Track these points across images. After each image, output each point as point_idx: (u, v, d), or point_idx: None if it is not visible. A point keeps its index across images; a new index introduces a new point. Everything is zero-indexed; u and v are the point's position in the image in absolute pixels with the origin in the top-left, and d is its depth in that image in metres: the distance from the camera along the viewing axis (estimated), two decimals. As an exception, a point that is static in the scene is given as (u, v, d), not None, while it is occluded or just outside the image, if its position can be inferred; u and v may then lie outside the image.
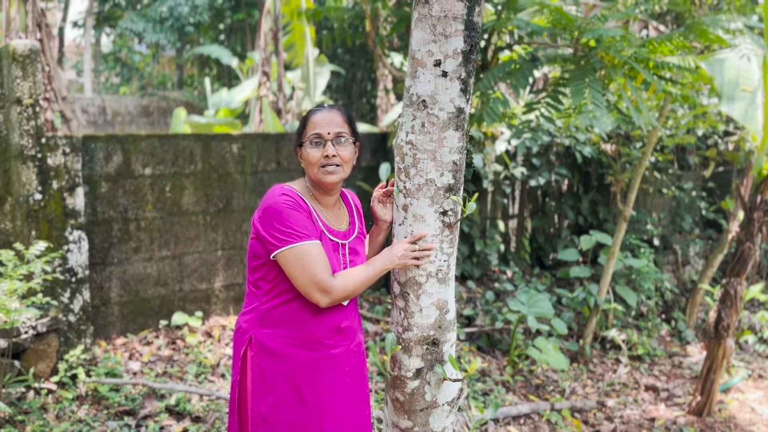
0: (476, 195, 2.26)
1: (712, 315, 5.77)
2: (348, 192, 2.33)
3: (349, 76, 14.78)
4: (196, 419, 3.55)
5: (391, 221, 2.28)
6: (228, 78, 17.02)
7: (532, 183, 6.08)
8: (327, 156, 2.04)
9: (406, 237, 2.18)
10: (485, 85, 3.84)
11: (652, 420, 4.43)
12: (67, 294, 3.78)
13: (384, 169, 2.76)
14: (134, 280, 4.31)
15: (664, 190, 6.52)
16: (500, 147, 5.83)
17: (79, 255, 3.78)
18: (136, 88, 19.20)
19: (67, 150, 3.72)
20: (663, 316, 6.35)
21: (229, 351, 4.29)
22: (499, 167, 5.82)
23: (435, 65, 2.11)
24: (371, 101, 16.64)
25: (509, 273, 6.24)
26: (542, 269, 6.54)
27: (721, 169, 6.79)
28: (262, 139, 4.74)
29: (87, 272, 3.79)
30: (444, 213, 2.20)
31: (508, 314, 4.86)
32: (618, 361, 5.37)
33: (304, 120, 2.11)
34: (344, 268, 2.10)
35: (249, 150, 4.69)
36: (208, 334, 4.48)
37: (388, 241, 2.39)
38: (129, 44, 19.14)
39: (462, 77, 2.13)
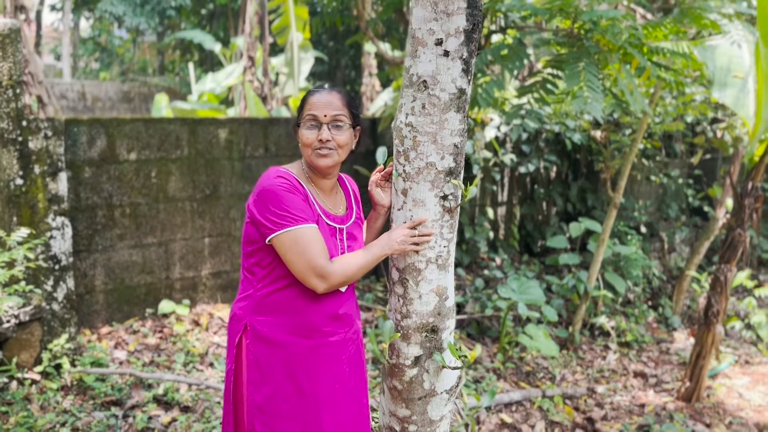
0: (477, 179, 2.21)
1: (702, 301, 5.80)
2: (345, 177, 2.27)
3: (333, 62, 14.65)
4: (185, 409, 3.48)
5: (390, 206, 2.22)
6: (211, 64, 16.78)
7: (522, 170, 6.04)
8: (321, 140, 1.98)
9: (405, 222, 2.13)
10: (477, 68, 3.78)
11: (642, 406, 4.44)
12: (51, 282, 3.67)
13: (380, 152, 2.68)
14: (119, 267, 4.21)
15: (652, 178, 6.52)
16: (490, 133, 5.78)
17: (62, 242, 3.68)
18: (116, 74, 18.87)
19: (49, 133, 3.61)
20: (649, 302, 6.38)
21: (218, 339, 4.22)
22: (488, 154, 5.77)
23: (436, 44, 2.04)
24: (356, 88, 16.51)
25: (498, 260, 6.21)
26: (531, 256, 6.53)
27: (708, 156, 6.81)
28: (249, 124, 4.65)
29: (71, 259, 3.69)
30: (444, 197, 2.14)
31: (498, 301, 4.83)
32: (606, 347, 5.37)
33: (303, 101, 2.04)
34: (342, 253, 2.04)
35: (236, 135, 4.59)
36: (196, 323, 4.40)
37: (386, 227, 2.33)
38: (108, 29, 18.79)
39: (464, 57, 2.07)
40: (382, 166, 2.25)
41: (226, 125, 4.53)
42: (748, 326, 5.61)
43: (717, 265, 4.37)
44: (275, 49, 12.82)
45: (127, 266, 4.24)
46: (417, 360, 2.27)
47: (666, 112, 5.00)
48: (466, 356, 2.25)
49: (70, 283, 3.72)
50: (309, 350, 2.00)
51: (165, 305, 4.31)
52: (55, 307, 3.70)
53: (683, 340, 5.77)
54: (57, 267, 3.70)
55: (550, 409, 4.08)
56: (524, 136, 5.87)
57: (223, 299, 4.67)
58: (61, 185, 3.67)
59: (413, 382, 2.29)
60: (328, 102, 2.00)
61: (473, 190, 2.15)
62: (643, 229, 6.99)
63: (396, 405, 2.36)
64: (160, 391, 3.55)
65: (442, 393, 2.36)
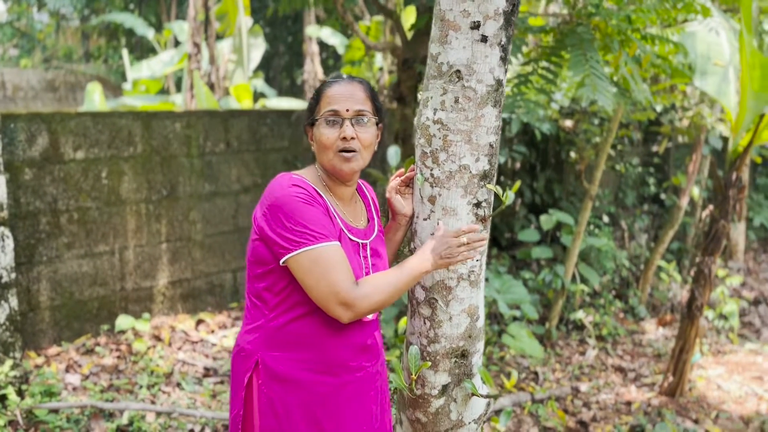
0: (517, 184, 1.95)
1: (682, 292, 5.79)
2: (362, 182, 1.95)
3: (271, 49, 14.12)
4: (154, 439, 3.10)
5: (412, 215, 1.93)
6: (141, 50, 15.91)
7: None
8: (344, 138, 1.66)
9: (432, 233, 1.84)
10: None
11: (628, 404, 4.33)
12: (-11, 301, 3.20)
13: (393, 152, 2.40)
14: (67, 280, 3.75)
15: (617, 167, 6.47)
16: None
17: (2, 255, 3.21)
18: (38, 61, 17.62)
19: (-17, 131, 3.13)
20: (613, 293, 6.34)
21: (183, 356, 3.83)
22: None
23: (472, 28, 1.76)
24: (293, 76, 16.01)
25: (467, 255, 6.01)
26: (500, 250, 6.37)
27: (671, 144, 6.83)
28: (209, 117, 4.24)
29: (13, 275, 3.22)
30: (478, 204, 1.87)
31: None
32: (582, 342, 5.27)
33: (318, 94, 1.72)
34: (366, 273, 1.74)
35: (195, 129, 4.18)
36: (157, 338, 3.99)
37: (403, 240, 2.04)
38: (28, 12, 17.52)
39: (502, 43, 1.80)
40: (402, 170, 1.95)
41: (183, 119, 4.11)
42: (721, 316, 5.62)
43: (700, 257, 4.30)
44: (224, 35, 12.24)
45: (76, 278, 3.78)
46: (444, 389, 2.00)
47: (639, 100, 4.91)
48: (501, 386, 2.00)
49: (13, 302, 3.26)
50: (334, 390, 1.69)
51: (123, 321, 3.87)
52: (-4, 329, 3.23)
53: (653, 331, 5.74)
54: (-4, 284, 3.22)
55: (543, 414, 3.91)
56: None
57: (184, 309, 4.27)
58: (-1, 190, 3.19)
59: (439, 413, 2.03)
60: (351, 94, 1.69)
61: (511, 196, 1.88)
62: (606, 219, 6.95)
63: (419, 439, 2.09)
64: (124, 420, 3.15)
65: (470, 423, 2.10)
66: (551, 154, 6.20)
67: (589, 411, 4.16)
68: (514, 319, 4.95)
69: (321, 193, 1.69)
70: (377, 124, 1.75)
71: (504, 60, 1.82)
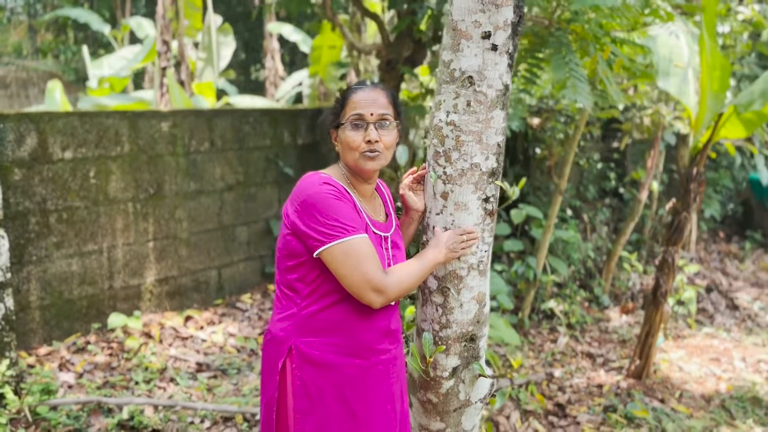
0: (523, 180, 2.12)
1: (650, 282, 6.08)
2: (378, 180, 2.09)
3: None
4: (155, 432, 3.17)
5: (424, 210, 2.08)
6: (94, 46, 15.59)
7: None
8: (369, 141, 1.80)
9: (444, 228, 2.00)
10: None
11: (599, 386, 4.58)
12: (-16, 301, 3.21)
13: (401, 151, 2.50)
14: (57, 279, 3.77)
15: (580, 162, 6.75)
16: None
17: (-3, 255, 3.22)
18: (-15, 57, 17.04)
19: (-24, 132, 3.13)
20: (578, 283, 6.62)
21: (175, 352, 3.89)
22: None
23: (483, 37, 1.92)
24: (252, 73, 15.95)
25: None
26: (471, 244, 6.56)
27: (630, 141, 7.15)
28: (194, 117, 4.29)
29: (8, 275, 3.24)
30: (486, 200, 2.04)
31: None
32: (553, 330, 5.52)
33: (343, 99, 1.85)
34: (388, 264, 1.89)
35: (180, 129, 4.23)
36: (147, 335, 4.03)
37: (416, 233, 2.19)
38: (-28, 7, 16.94)
39: (510, 51, 1.97)
40: (414, 168, 2.11)
41: (169, 118, 4.16)
42: (679, 302, 5.95)
43: (664, 247, 4.57)
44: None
45: (65, 278, 3.80)
46: (454, 371, 2.17)
47: (615, 100, 5.17)
48: (510, 365, 2.17)
49: (9, 301, 3.27)
50: (362, 371, 1.83)
51: (115, 318, 3.90)
52: (-9, 329, 3.24)
53: (617, 318, 6.04)
54: (-9, 284, 3.24)
55: (522, 398, 4.12)
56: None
57: (171, 307, 4.32)
58: (-8, 191, 3.20)
59: (449, 393, 2.19)
60: (374, 99, 1.83)
61: (517, 191, 2.06)
62: (569, 212, 7.24)
63: (429, 419, 2.25)
64: (125, 415, 3.21)
65: (476, 402, 2.27)
66: (519, 150, 6.43)
67: (564, 394, 4.39)
68: (491, 309, 5.15)
69: (347, 189, 1.83)
70: (397, 126, 1.90)
71: (511, 66, 1.98)
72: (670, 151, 7.96)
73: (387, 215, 2.01)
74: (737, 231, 9.65)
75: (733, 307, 6.48)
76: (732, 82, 6.74)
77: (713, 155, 5.85)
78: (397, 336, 1.95)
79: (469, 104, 1.95)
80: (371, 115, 1.82)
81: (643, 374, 4.72)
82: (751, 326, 5.98)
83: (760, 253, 8.75)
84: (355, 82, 2.17)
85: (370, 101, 1.82)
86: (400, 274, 1.79)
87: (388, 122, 1.84)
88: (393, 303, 1.91)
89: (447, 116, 1.98)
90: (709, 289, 6.93)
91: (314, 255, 1.74)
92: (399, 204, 2.16)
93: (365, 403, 1.84)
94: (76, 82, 15.28)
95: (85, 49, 10.48)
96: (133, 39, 13.53)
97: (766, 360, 5.11)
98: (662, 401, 4.41)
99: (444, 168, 2.01)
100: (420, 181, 2.10)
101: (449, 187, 2.00)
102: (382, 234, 1.91)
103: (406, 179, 2.09)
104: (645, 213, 7.24)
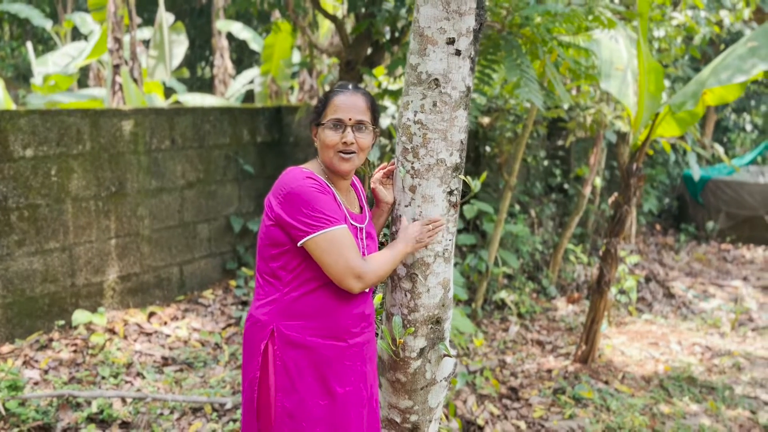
0: (484, 174, 2.30)
1: (595, 272, 6.40)
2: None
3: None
4: (125, 425, 3.24)
5: (393, 203, 2.24)
6: (34, 42, 15.14)
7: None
8: (345, 142, 1.95)
9: (413, 218, 2.17)
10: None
11: (549, 371, 4.85)
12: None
13: (373, 149, 2.65)
14: (19, 277, 3.77)
15: (528, 159, 7.05)
16: (385, 121, 5.89)
17: (-40, 253, 3.22)
18: None
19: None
20: (527, 274, 6.92)
21: (140, 347, 3.94)
22: (386, 140, 5.89)
23: (448, 43, 2.09)
24: (198, 71, 15.78)
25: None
26: (425, 238, 6.77)
27: (574, 139, 7.50)
28: (155, 115, 4.33)
29: (-27, 273, 3.24)
30: (450, 192, 2.21)
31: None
32: (504, 320, 5.78)
33: (326, 99, 2.00)
34: (363, 253, 2.04)
35: (141, 127, 4.27)
36: (111, 331, 4.06)
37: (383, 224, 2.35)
38: None
39: (472, 56, 2.15)
40: (385, 164, 2.27)
41: (130, 116, 4.19)
42: (621, 291, 6.30)
43: (607, 239, 4.87)
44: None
45: (27, 276, 3.80)
46: (422, 351, 2.33)
47: (563, 100, 5.44)
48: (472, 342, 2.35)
49: (-26, 299, 3.28)
50: (339, 352, 1.99)
51: (79, 315, 3.92)
52: (-45, 327, 3.24)
53: (564, 308, 6.35)
54: (-46, 282, 3.23)
55: (478, 383, 4.33)
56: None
57: (134, 304, 4.35)
58: (-45, 189, 3.20)
59: (417, 373, 2.36)
60: (354, 104, 1.98)
61: (478, 184, 2.24)
62: (518, 207, 7.54)
63: (398, 397, 2.41)
64: (94, 408, 3.26)
65: (441, 381, 2.45)
66: (470, 148, 6.68)
67: (516, 379, 4.63)
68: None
69: (328, 183, 1.98)
70: (374, 130, 2.06)
71: (472, 70, 2.16)
72: (612, 148, 8.36)
73: (361, 208, 2.17)
74: (673, 224, 10.20)
75: (670, 295, 6.89)
76: (667, 83, 7.17)
77: (651, 152, 6.22)
78: (371, 320, 2.11)
79: (435, 105, 2.12)
80: (349, 119, 1.97)
81: (588, 359, 5.01)
82: (685, 313, 6.38)
83: (693, 244, 9.29)
84: (338, 83, 2.32)
85: (350, 105, 1.97)
86: (377, 262, 1.95)
87: (364, 126, 2.00)
88: (368, 290, 2.07)
89: (415, 116, 2.15)
90: (647, 279, 7.34)
91: (298, 244, 1.88)
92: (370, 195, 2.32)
93: (342, 381, 1.99)
94: (16, 78, 14.82)
95: (29, 45, 10.22)
96: (76, 35, 13.22)
97: (700, 343, 5.49)
98: (606, 383, 4.70)
99: (412, 163, 2.17)
100: (389, 175, 2.26)
101: (417, 181, 2.17)
102: (358, 225, 2.06)
103: (377, 174, 2.25)
104: (588, 207, 7.61)
